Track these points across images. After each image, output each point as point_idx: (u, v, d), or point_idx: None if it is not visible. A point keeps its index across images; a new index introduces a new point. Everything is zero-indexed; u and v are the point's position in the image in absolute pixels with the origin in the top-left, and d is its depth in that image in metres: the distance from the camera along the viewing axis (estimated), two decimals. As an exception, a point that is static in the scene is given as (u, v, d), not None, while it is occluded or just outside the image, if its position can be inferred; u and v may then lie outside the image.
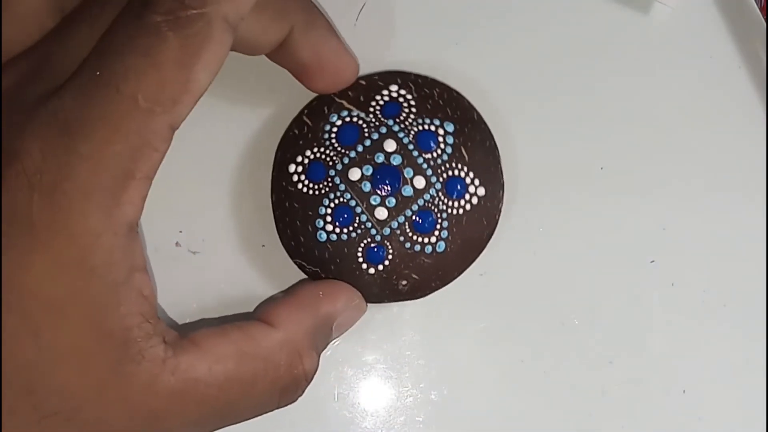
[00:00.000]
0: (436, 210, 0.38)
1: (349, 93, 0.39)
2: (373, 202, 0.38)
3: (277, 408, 0.34)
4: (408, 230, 0.38)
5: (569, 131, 0.41)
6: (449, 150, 0.38)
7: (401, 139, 0.38)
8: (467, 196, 0.38)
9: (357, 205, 0.38)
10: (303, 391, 0.35)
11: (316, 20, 0.37)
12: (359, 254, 0.38)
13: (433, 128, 0.38)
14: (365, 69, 0.40)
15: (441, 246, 0.38)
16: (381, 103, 0.39)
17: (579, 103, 0.42)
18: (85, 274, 0.29)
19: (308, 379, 0.35)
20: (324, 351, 0.37)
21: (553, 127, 0.41)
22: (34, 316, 0.29)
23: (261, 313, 0.35)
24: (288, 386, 0.34)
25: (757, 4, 0.41)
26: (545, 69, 0.42)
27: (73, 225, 0.28)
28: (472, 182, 0.38)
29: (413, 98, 0.39)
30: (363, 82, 0.39)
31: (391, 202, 0.38)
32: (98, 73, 0.29)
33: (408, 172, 0.38)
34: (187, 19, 0.29)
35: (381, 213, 0.38)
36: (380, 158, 0.38)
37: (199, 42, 0.29)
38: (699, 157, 0.41)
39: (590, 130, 0.41)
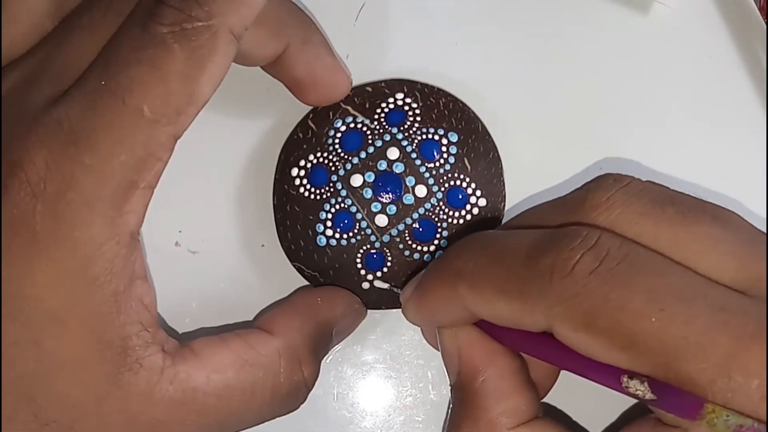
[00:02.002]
0: (436, 219, 0.38)
1: (355, 99, 0.39)
2: (374, 209, 0.38)
3: (278, 416, 0.35)
4: (408, 238, 0.38)
5: (570, 133, 0.41)
6: (452, 160, 0.38)
7: (404, 147, 0.38)
8: (468, 207, 0.38)
9: (358, 211, 0.38)
10: (304, 399, 0.35)
11: (312, 37, 0.37)
12: (358, 260, 0.38)
13: (436, 138, 0.38)
14: (364, 70, 0.40)
15: (440, 255, 0.38)
16: (386, 110, 0.39)
17: (579, 104, 0.41)
18: (87, 284, 0.29)
19: (309, 387, 0.35)
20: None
21: (553, 128, 0.41)
22: (35, 326, 0.29)
23: (260, 321, 0.35)
24: (288, 394, 0.34)
25: (756, 5, 0.41)
26: (545, 71, 0.42)
27: (76, 235, 0.29)
28: (474, 193, 0.38)
29: (418, 107, 0.39)
30: (369, 89, 0.39)
31: (392, 209, 0.38)
32: (103, 82, 0.29)
33: (410, 181, 0.38)
34: (193, 31, 0.29)
35: (381, 220, 0.38)
36: (383, 165, 0.38)
37: (205, 54, 0.29)
38: (699, 158, 0.41)
39: (591, 131, 0.41)
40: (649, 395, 0.27)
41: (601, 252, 0.28)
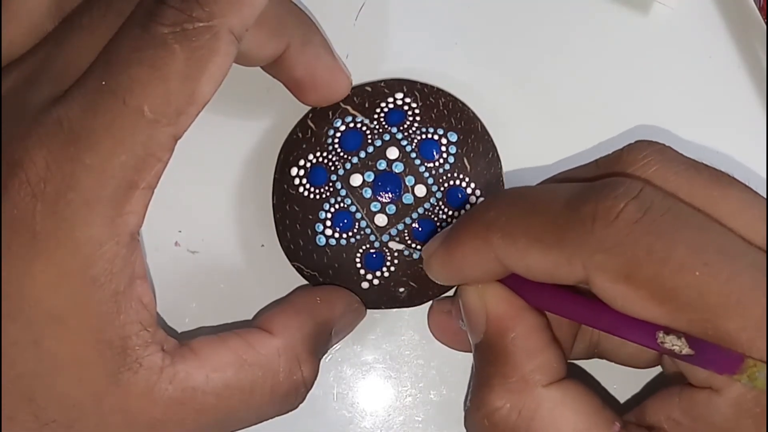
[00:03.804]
0: (436, 219, 0.38)
1: (355, 99, 0.39)
2: (374, 209, 0.38)
3: (277, 415, 0.35)
4: (407, 238, 0.38)
5: (569, 133, 0.41)
6: (451, 159, 0.38)
7: (404, 147, 0.38)
8: (467, 206, 0.38)
9: (357, 210, 0.38)
10: (303, 398, 0.35)
11: (312, 37, 0.37)
12: (357, 260, 0.38)
13: (436, 137, 0.39)
14: (364, 70, 0.40)
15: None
16: (386, 110, 0.39)
17: (579, 104, 0.42)
18: (87, 284, 0.29)
19: (308, 386, 0.35)
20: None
21: (552, 128, 0.41)
22: (35, 325, 0.29)
23: (259, 321, 0.35)
24: (287, 393, 0.34)
25: (756, 5, 0.41)
26: (545, 71, 0.42)
27: (76, 235, 0.29)
28: (473, 192, 0.38)
29: (418, 107, 0.39)
30: (369, 89, 0.39)
31: (392, 209, 0.38)
32: (104, 83, 0.29)
33: (409, 180, 0.38)
34: (194, 31, 0.29)
35: (381, 220, 0.38)
36: (382, 165, 0.38)
37: (205, 55, 0.29)
38: (699, 158, 0.41)
39: (591, 132, 0.41)
40: (686, 350, 0.27)
41: (645, 202, 0.28)
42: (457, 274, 0.34)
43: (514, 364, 0.32)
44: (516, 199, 0.32)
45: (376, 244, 0.38)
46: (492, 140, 0.39)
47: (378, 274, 0.38)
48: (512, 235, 0.31)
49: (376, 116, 0.39)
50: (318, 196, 0.38)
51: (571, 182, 0.33)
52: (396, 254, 0.38)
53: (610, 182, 0.30)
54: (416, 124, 0.39)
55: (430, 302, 0.39)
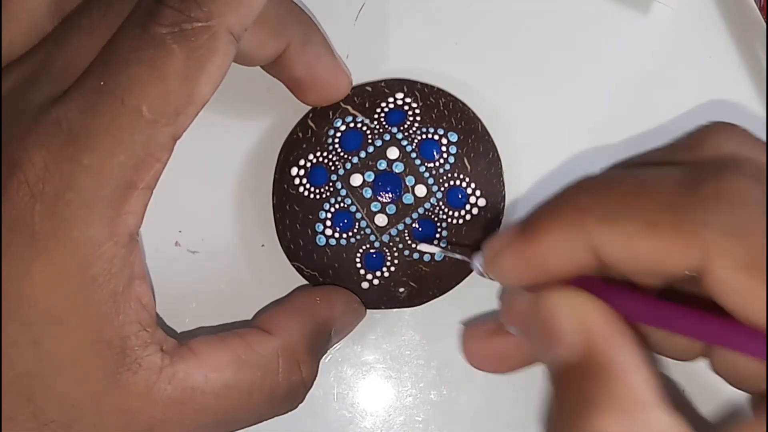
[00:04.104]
0: (436, 219, 0.38)
1: (355, 99, 0.39)
2: (374, 209, 0.38)
3: (276, 415, 0.35)
4: (407, 238, 0.38)
5: (569, 133, 0.41)
6: (452, 160, 0.38)
7: (404, 147, 0.38)
8: (468, 207, 0.38)
9: (357, 210, 0.38)
10: (302, 399, 0.35)
11: (312, 37, 0.37)
12: (357, 260, 0.38)
13: (436, 137, 0.39)
14: (364, 70, 0.40)
15: (439, 255, 0.38)
16: (386, 110, 0.39)
17: (579, 104, 0.41)
18: (86, 284, 0.29)
19: (307, 386, 0.35)
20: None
21: (552, 128, 0.41)
22: (34, 325, 0.29)
23: (259, 321, 0.35)
24: (286, 393, 0.34)
25: (756, 4, 0.41)
26: (545, 71, 0.42)
27: (75, 235, 0.29)
28: (473, 193, 0.38)
29: (418, 107, 0.39)
30: (369, 89, 0.40)
31: (392, 209, 0.38)
32: (103, 83, 0.29)
33: (409, 180, 0.38)
34: (192, 31, 0.29)
35: (381, 220, 0.38)
36: (382, 165, 0.38)
37: (204, 55, 0.29)
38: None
39: (591, 132, 0.41)
40: None
41: None
42: (537, 268, 0.30)
43: (625, 382, 0.27)
44: (613, 182, 0.29)
45: (376, 244, 0.38)
46: (492, 140, 0.39)
47: (378, 274, 0.38)
48: (615, 219, 0.27)
49: (376, 116, 0.39)
50: (318, 196, 0.38)
51: (655, 165, 0.30)
52: (396, 254, 0.38)
53: (729, 162, 0.27)
54: (416, 124, 0.39)
55: (462, 327, 0.38)
